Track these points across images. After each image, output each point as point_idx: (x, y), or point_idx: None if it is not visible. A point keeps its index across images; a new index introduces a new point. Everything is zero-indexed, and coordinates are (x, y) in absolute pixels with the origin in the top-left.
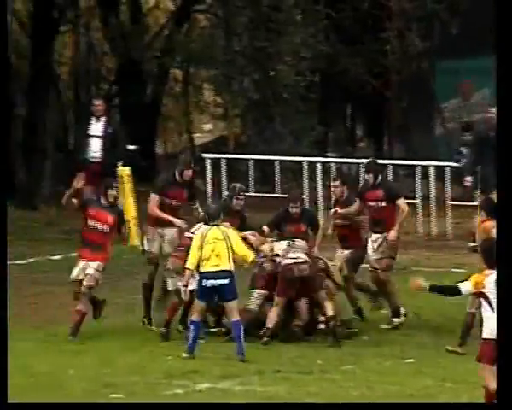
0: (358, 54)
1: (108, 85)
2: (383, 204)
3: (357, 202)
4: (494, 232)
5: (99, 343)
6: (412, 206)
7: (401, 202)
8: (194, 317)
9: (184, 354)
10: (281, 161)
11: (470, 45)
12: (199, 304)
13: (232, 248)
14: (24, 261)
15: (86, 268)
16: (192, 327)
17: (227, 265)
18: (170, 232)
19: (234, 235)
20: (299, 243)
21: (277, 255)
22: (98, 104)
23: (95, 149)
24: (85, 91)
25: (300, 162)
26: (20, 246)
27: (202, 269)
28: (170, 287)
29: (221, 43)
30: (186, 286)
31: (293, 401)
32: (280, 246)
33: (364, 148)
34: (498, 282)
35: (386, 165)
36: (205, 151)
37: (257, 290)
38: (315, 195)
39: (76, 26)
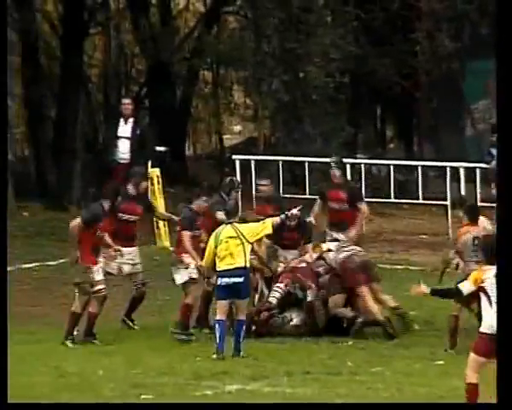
0: (388, 55)
1: (138, 87)
2: (345, 206)
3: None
4: (466, 238)
5: (128, 344)
6: (443, 207)
7: (362, 205)
8: (219, 316)
9: (214, 355)
10: (310, 162)
11: None
12: (220, 303)
13: (248, 242)
14: (54, 262)
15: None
16: (216, 326)
17: (242, 262)
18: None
19: (246, 227)
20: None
21: (330, 250)
22: (127, 103)
23: (123, 150)
24: (115, 93)
25: (330, 164)
26: (50, 247)
27: (218, 268)
28: (178, 281)
29: (251, 44)
30: (208, 278)
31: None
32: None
33: (394, 149)
34: (498, 280)
35: (416, 166)
36: (234, 153)
37: (278, 285)
38: None
39: (106, 28)
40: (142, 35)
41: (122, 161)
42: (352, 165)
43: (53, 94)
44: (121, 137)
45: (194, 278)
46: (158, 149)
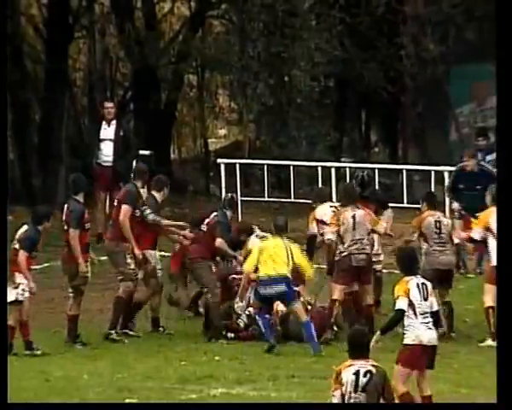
0: (373, 59)
1: (123, 91)
2: None
3: None
4: (428, 221)
5: (113, 348)
6: None
7: None
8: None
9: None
10: (295, 166)
11: (486, 50)
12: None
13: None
14: (39, 266)
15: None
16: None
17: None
18: None
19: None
20: None
21: None
22: (109, 106)
23: (106, 153)
24: (100, 97)
25: (315, 167)
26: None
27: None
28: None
29: (236, 48)
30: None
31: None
32: None
33: (379, 153)
34: (498, 279)
35: (401, 170)
36: (219, 156)
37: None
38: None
39: (91, 32)
40: (126, 39)
41: (105, 164)
42: (337, 169)
43: (38, 97)
44: (104, 140)
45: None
46: (143, 152)
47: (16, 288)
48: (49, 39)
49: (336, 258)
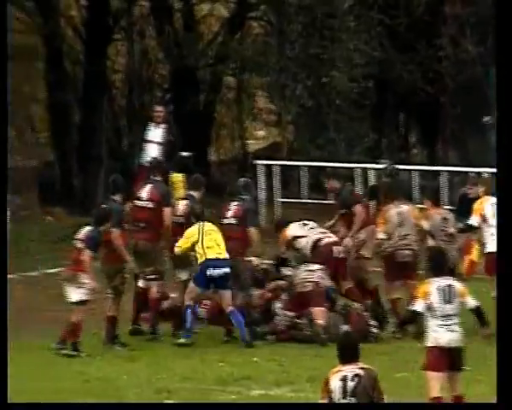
0: (412, 60)
1: (162, 92)
2: None
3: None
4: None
5: (152, 349)
6: None
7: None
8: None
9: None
10: (333, 167)
11: None
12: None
13: None
14: None
15: None
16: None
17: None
18: None
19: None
20: None
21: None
22: (159, 110)
23: (151, 154)
24: (138, 98)
25: (353, 169)
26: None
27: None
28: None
29: (274, 50)
30: None
31: None
32: None
33: (417, 154)
34: (498, 280)
35: (440, 172)
36: (258, 158)
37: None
38: None
39: (130, 34)
40: (165, 40)
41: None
42: (375, 170)
43: (77, 99)
44: (151, 142)
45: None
46: (182, 154)
47: (81, 287)
48: (88, 41)
49: (383, 255)
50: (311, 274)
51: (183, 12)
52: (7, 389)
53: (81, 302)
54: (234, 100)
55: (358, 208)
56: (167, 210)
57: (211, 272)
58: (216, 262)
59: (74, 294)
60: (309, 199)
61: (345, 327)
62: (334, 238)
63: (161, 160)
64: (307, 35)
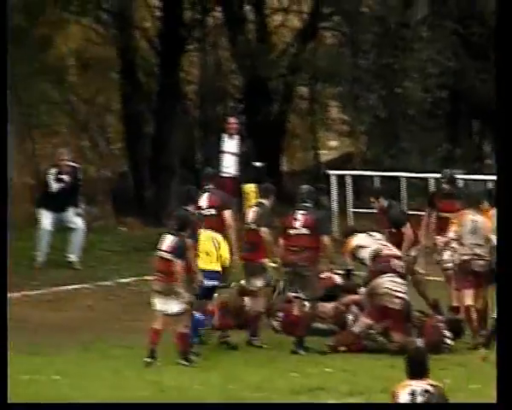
0: (486, 70)
1: (234, 103)
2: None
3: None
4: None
5: (224, 359)
6: None
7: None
8: None
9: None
10: (407, 177)
11: None
12: None
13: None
14: (152, 277)
15: None
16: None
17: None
18: None
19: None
20: None
21: None
22: (232, 122)
23: (227, 164)
24: (211, 109)
25: (427, 179)
26: (148, 262)
27: None
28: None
29: (347, 60)
30: None
31: None
32: None
33: (492, 164)
34: (498, 280)
35: None
36: (330, 168)
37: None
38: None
39: (203, 44)
40: (238, 51)
41: (225, 175)
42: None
43: (150, 110)
44: (225, 152)
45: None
46: (255, 164)
47: (179, 299)
48: (162, 52)
49: (456, 262)
50: (398, 287)
51: (256, 23)
52: (7, 389)
53: (180, 313)
54: (306, 110)
55: (408, 227)
56: (227, 213)
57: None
58: (209, 274)
59: (173, 305)
60: None
61: (419, 339)
62: (394, 251)
63: (215, 170)
64: (380, 45)
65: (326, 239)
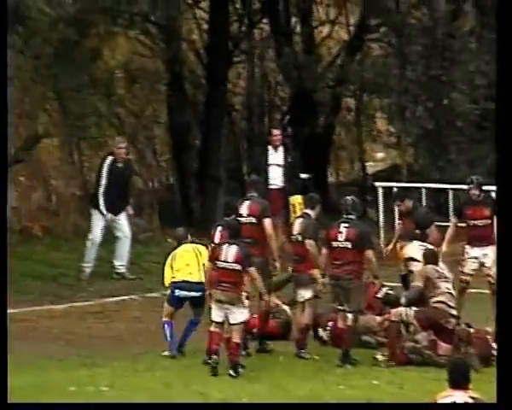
0: None
1: (281, 115)
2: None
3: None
4: None
5: (271, 371)
6: None
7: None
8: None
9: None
10: (455, 189)
11: None
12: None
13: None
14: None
15: None
16: None
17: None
18: None
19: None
20: None
21: None
22: (276, 134)
23: (273, 176)
24: (258, 121)
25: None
26: None
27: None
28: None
29: (394, 71)
30: None
31: None
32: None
33: None
34: (498, 278)
35: None
36: (377, 180)
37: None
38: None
39: (250, 57)
40: (285, 63)
41: (272, 187)
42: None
43: (197, 122)
44: (271, 165)
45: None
46: (302, 176)
47: (244, 308)
48: (209, 64)
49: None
50: (452, 303)
51: (302, 35)
52: (7, 389)
53: (243, 323)
54: (353, 122)
55: (433, 229)
56: (267, 221)
57: (178, 293)
58: (182, 285)
59: (238, 315)
60: None
61: (470, 350)
62: (444, 273)
63: (259, 178)
64: (428, 56)
65: (369, 253)
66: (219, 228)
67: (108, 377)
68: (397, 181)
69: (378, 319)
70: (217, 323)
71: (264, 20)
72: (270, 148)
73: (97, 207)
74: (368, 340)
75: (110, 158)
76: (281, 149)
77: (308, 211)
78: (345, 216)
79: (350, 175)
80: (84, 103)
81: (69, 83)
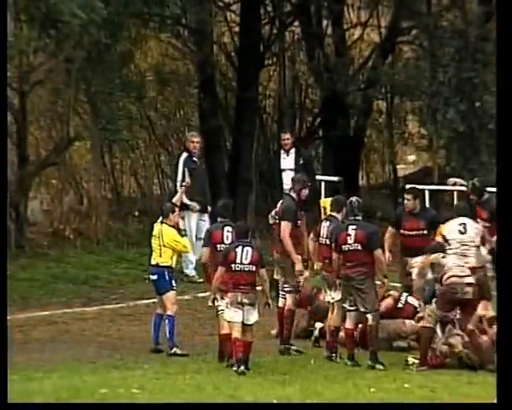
0: None
1: (312, 117)
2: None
3: None
4: None
5: (302, 374)
6: None
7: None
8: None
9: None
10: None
11: None
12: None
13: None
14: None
15: None
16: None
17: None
18: None
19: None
20: None
21: None
22: (286, 138)
23: (286, 181)
24: (289, 124)
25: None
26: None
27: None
28: None
29: (426, 74)
30: None
31: None
32: None
33: None
34: (498, 279)
35: None
36: (408, 183)
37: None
38: None
39: (281, 59)
40: (316, 65)
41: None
42: None
43: (229, 125)
44: (284, 170)
45: None
46: (332, 179)
47: (256, 308)
48: (240, 67)
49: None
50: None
51: (334, 37)
52: (7, 389)
53: (255, 322)
54: (384, 124)
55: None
56: (284, 223)
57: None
58: (150, 269)
59: (253, 315)
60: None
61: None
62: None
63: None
64: (460, 59)
65: (378, 253)
66: (228, 228)
67: (140, 379)
68: (428, 184)
69: (408, 322)
70: (237, 324)
71: (296, 23)
72: (282, 152)
73: (186, 206)
74: (400, 345)
75: (185, 154)
76: (292, 152)
77: (334, 214)
78: (351, 218)
79: (381, 178)
80: (115, 106)
81: (101, 86)
